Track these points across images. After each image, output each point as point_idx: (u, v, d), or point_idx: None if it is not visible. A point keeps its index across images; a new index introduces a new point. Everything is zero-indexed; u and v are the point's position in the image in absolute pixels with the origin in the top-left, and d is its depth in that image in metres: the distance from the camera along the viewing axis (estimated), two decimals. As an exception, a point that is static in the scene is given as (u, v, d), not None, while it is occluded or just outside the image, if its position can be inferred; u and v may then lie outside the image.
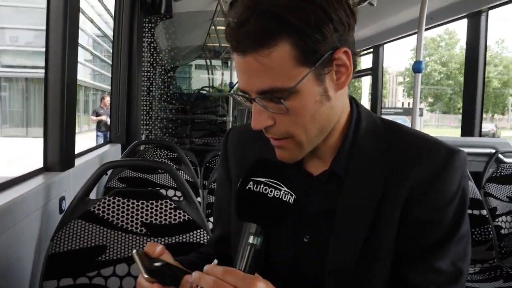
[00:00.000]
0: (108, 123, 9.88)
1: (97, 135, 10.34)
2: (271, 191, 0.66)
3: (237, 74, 0.72)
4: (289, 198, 0.67)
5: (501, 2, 3.09)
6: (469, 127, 3.54)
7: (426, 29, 2.42)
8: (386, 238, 0.74)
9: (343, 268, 0.74)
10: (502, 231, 2.49)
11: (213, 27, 5.59)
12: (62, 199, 1.73)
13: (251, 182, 0.67)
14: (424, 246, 0.74)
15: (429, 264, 0.74)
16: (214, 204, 1.01)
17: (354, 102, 0.82)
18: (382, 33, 4.68)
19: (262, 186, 0.67)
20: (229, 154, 0.93)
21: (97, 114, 10.25)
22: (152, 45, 3.99)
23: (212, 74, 6.86)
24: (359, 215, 0.75)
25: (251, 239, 0.66)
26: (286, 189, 0.67)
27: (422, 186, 0.73)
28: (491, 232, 2.40)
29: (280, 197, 0.67)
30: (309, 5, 0.65)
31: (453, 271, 0.74)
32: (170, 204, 1.46)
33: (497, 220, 2.50)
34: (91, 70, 25.24)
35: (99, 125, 10.26)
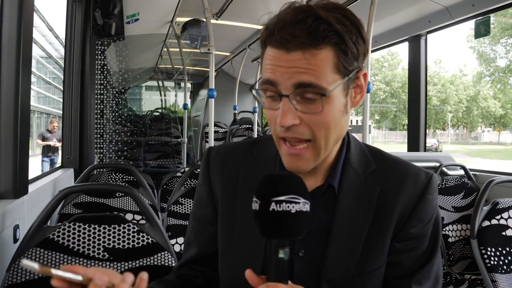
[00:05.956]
0: (56, 147, 9.52)
1: (43, 160, 9.88)
2: (293, 207, 0.67)
3: (266, 68, 0.75)
4: (307, 208, 0.69)
5: (438, 27, 3.35)
6: (414, 142, 3.75)
7: (371, 51, 2.57)
8: (380, 251, 0.82)
9: (340, 280, 0.79)
10: (450, 240, 2.64)
11: (165, 49, 5.59)
12: (16, 227, 1.66)
13: (273, 203, 0.67)
14: (418, 257, 0.85)
15: (424, 273, 0.84)
16: (191, 224, 0.98)
17: None
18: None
19: (284, 204, 0.67)
20: (212, 173, 0.93)
21: (44, 138, 9.84)
22: (105, 67, 3.94)
23: (165, 95, 6.79)
24: (355, 228, 0.82)
25: (281, 254, 0.67)
26: (303, 200, 0.68)
27: (411, 205, 0.83)
28: (440, 241, 2.54)
29: (301, 209, 0.68)
30: (352, 25, 0.75)
31: (436, 276, 0.86)
32: (133, 228, 1.44)
33: (444, 229, 2.66)
34: (35, 92, 24.27)
35: (46, 149, 9.83)
